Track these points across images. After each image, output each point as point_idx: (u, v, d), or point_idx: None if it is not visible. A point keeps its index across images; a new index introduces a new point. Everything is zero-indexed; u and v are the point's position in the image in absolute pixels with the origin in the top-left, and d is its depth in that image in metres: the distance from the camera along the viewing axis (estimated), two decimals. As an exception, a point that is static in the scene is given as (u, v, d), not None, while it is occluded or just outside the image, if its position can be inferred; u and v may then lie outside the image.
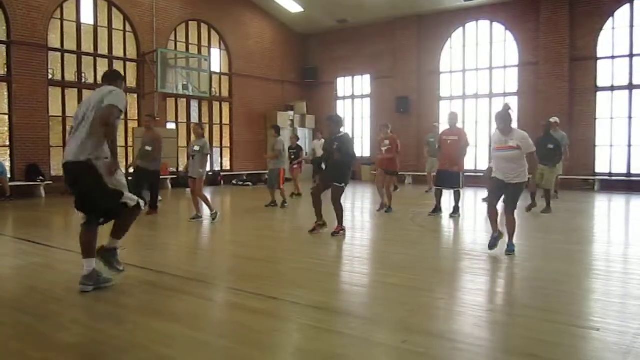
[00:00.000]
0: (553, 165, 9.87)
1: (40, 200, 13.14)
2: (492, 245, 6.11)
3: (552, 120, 11.24)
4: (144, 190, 9.94)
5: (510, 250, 5.99)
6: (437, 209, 9.43)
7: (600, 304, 4.26)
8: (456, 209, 9.30)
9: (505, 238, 6.07)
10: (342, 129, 7.49)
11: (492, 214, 6.20)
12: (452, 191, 9.36)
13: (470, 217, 9.80)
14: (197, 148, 8.87)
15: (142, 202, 4.61)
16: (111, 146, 4.33)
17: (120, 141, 15.65)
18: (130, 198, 4.49)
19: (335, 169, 7.27)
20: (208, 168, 9.25)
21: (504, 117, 6.10)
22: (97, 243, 4.56)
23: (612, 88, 15.49)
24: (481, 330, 3.60)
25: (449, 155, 9.23)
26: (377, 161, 10.50)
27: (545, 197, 9.94)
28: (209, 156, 9.17)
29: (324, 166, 7.47)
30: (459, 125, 10.10)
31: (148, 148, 9.83)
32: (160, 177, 11.77)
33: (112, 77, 4.74)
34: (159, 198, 12.15)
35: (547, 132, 10.10)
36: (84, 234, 4.50)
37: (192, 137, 9.66)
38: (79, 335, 3.50)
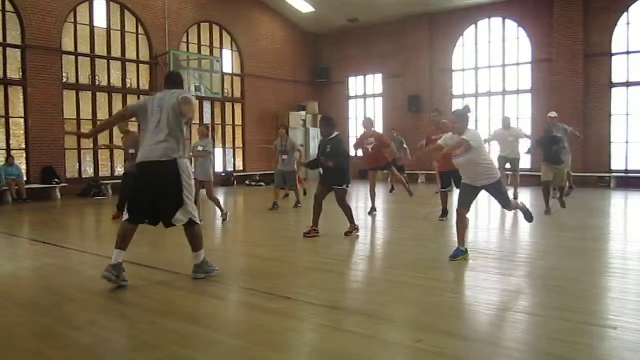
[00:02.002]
0: (562, 163, 9.59)
1: (55, 202, 13.28)
2: (455, 256, 5.62)
3: (552, 115, 11.13)
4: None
5: (528, 217, 6.13)
6: (445, 212, 8.92)
7: (617, 302, 4.20)
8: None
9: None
10: (335, 131, 7.34)
11: (461, 222, 5.70)
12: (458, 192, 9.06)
13: (483, 215, 9.73)
14: (200, 148, 8.87)
15: (197, 219, 4.82)
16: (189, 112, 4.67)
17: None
18: (193, 213, 4.73)
19: (332, 171, 7.21)
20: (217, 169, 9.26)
21: (461, 117, 5.65)
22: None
23: (628, 84, 15.29)
24: (496, 330, 3.57)
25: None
26: (365, 160, 10.03)
27: (560, 194, 9.71)
28: (211, 156, 9.14)
29: (321, 170, 7.39)
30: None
31: (132, 151, 9.41)
32: None
33: (175, 82, 4.92)
34: None
35: (549, 131, 9.78)
36: (126, 228, 4.65)
37: (196, 137, 9.62)
38: (95, 336, 3.53)
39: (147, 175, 4.63)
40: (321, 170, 7.33)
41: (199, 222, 4.86)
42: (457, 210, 5.80)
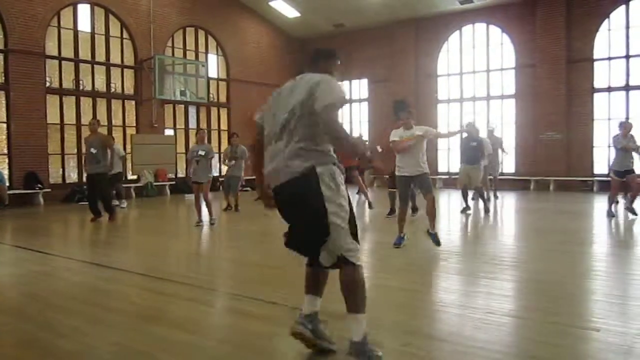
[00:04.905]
0: (478, 163, 10.20)
1: (38, 208, 13.13)
2: (399, 244, 6.55)
3: (490, 128, 12.90)
4: (99, 199, 9.81)
5: (436, 240, 6.38)
6: (393, 211, 9.46)
7: (601, 305, 4.25)
8: (413, 210, 9.40)
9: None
10: None
11: (403, 215, 6.63)
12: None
13: (468, 220, 9.79)
14: (202, 153, 9.00)
15: (357, 260, 3.09)
16: (349, 147, 3.08)
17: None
18: (347, 247, 3.01)
19: None
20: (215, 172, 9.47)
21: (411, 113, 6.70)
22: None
23: (609, 89, 15.53)
24: (482, 333, 3.59)
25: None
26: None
27: (480, 196, 10.32)
28: (212, 160, 9.33)
29: None
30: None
31: (93, 150, 9.57)
32: (116, 179, 11.72)
33: (317, 58, 3.35)
34: (122, 203, 12.13)
35: (470, 133, 10.44)
36: (306, 270, 3.33)
37: (193, 142, 9.78)
38: (79, 343, 3.49)
39: (280, 199, 3.13)
40: None
41: (358, 263, 3.08)
42: (400, 207, 6.66)
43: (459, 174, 10.51)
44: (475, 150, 10.13)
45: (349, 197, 3.08)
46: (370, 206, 10.22)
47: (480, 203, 10.53)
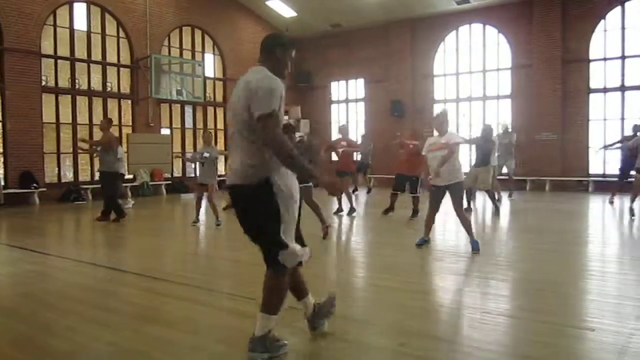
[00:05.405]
0: (484, 165, 10.18)
1: (34, 207, 13.09)
2: (421, 244, 6.59)
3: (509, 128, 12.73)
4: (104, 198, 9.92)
5: (476, 248, 6.22)
6: (391, 209, 9.79)
7: (595, 305, 4.28)
8: (415, 212, 9.44)
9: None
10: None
11: (430, 221, 6.61)
12: (410, 196, 9.70)
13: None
14: (207, 155, 9.00)
15: (303, 258, 3.19)
16: (292, 163, 2.93)
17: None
18: (288, 252, 3.04)
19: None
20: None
21: (446, 119, 6.60)
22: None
23: (605, 90, 15.56)
24: (477, 332, 3.60)
25: (410, 159, 9.47)
26: (337, 164, 10.73)
27: (491, 198, 10.26)
28: (216, 161, 9.35)
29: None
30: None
31: (98, 149, 9.87)
32: (117, 178, 11.51)
33: (274, 46, 3.27)
34: (126, 203, 12.00)
35: (483, 134, 10.43)
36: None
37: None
38: (75, 343, 3.48)
39: (235, 201, 3.26)
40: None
41: (287, 266, 3.10)
42: (429, 213, 6.61)
43: (467, 174, 10.47)
44: (486, 152, 10.14)
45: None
46: (338, 210, 10.06)
47: (489, 203, 10.42)
